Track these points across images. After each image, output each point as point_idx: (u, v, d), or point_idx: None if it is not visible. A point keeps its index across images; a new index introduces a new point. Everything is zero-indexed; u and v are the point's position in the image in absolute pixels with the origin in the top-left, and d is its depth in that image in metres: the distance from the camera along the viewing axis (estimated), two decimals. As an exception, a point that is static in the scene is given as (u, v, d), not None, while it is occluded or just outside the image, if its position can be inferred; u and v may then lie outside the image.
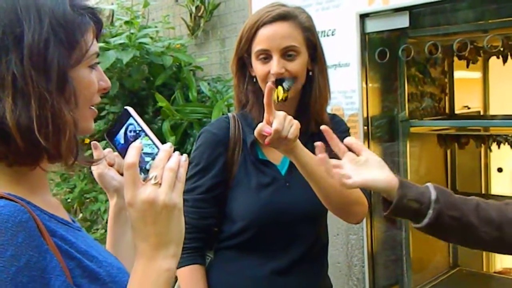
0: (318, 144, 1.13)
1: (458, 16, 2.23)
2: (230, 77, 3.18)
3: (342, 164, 1.12)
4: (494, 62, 2.91)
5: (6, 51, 0.73)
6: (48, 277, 0.70)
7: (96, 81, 0.84)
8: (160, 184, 0.76)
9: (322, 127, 1.19)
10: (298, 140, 1.28)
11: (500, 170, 3.15)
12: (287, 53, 1.42)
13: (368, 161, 1.12)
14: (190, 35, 3.80)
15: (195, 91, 3.43)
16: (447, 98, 2.90)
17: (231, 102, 3.08)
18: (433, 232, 1.14)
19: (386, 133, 2.44)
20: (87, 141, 3.00)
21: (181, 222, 0.79)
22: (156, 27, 3.68)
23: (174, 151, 0.80)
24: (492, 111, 3.14)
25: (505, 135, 2.70)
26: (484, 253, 3.00)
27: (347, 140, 1.17)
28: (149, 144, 0.80)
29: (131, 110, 0.83)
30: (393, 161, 2.50)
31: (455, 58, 2.79)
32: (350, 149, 1.17)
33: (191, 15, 3.74)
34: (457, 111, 2.93)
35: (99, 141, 1.10)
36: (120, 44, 3.28)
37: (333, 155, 1.18)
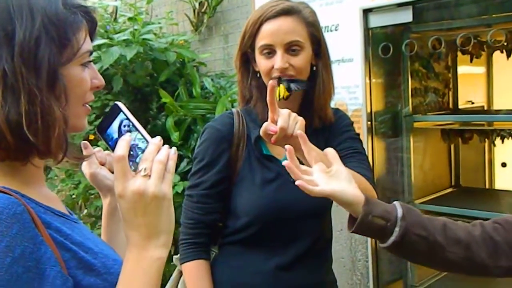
0: (287, 147, 1.13)
1: (461, 10, 2.23)
2: (233, 72, 3.18)
3: (311, 171, 1.11)
4: (498, 56, 2.91)
5: None
6: (43, 268, 0.71)
7: (89, 79, 0.85)
8: (150, 176, 0.78)
9: (298, 132, 1.17)
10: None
11: (504, 165, 3.15)
12: (291, 48, 1.42)
13: (338, 172, 1.10)
14: (193, 31, 3.80)
15: (198, 87, 3.43)
16: (450, 93, 2.90)
17: (234, 98, 3.08)
18: (399, 252, 1.11)
19: (389, 128, 2.44)
20: (91, 137, 3.01)
21: (171, 212, 0.81)
22: (159, 23, 3.68)
23: (163, 144, 0.82)
24: (496, 106, 3.13)
25: (509, 129, 2.69)
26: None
27: (327, 150, 1.15)
28: (139, 139, 0.82)
29: (121, 105, 0.85)
30: (397, 156, 2.50)
31: (459, 53, 2.78)
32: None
33: (194, 11, 3.74)
34: (460, 106, 2.93)
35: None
36: (124, 40, 3.29)
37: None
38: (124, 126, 0.83)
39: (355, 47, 2.44)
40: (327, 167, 1.11)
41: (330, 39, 2.69)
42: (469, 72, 3.00)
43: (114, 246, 1.01)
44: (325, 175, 1.10)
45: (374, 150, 2.36)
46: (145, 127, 3.59)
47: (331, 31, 2.80)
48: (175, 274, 1.65)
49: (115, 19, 3.75)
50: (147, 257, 0.78)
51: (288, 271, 1.46)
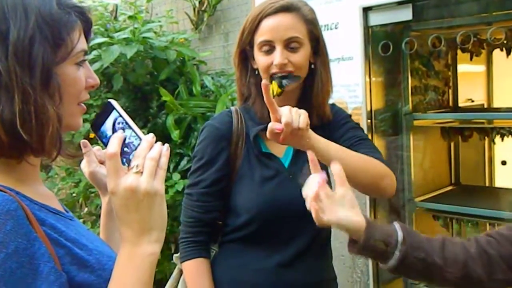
0: (309, 157, 1.15)
1: (461, 8, 2.23)
2: (233, 71, 3.16)
3: (320, 197, 1.12)
4: (498, 54, 2.90)
5: None
6: (36, 263, 0.72)
7: (84, 78, 0.86)
8: (142, 172, 0.79)
9: (309, 154, 1.19)
10: (312, 132, 1.27)
11: (504, 163, 3.15)
12: (290, 45, 1.43)
13: (344, 198, 1.12)
14: (193, 30, 3.80)
15: (198, 85, 3.43)
16: (450, 91, 2.90)
17: (234, 96, 3.09)
18: (398, 272, 1.15)
19: (389, 126, 2.44)
20: (92, 135, 3.01)
21: (163, 208, 0.82)
22: (159, 21, 3.68)
23: (164, 143, 0.83)
24: (496, 104, 3.13)
25: (508, 127, 2.69)
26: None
27: (335, 169, 1.16)
28: (132, 136, 0.83)
29: (114, 102, 0.86)
30: (397, 155, 2.50)
31: (459, 51, 2.78)
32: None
33: (194, 9, 3.74)
34: (460, 104, 2.92)
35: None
36: (124, 38, 3.29)
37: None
38: (118, 123, 0.84)
39: (355, 45, 2.44)
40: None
41: (330, 37, 2.69)
42: (469, 70, 3.00)
43: (112, 244, 1.01)
44: (330, 200, 1.12)
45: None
46: (145, 126, 3.59)
47: (331, 29, 2.80)
48: (175, 272, 1.65)
49: (115, 18, 3.75)
50: (140, 252, 0.79)
51: (289, 268, 1.47)
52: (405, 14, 2.14)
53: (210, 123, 1.54)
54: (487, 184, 3.11)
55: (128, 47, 3.20)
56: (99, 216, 3.95)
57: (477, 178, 3.10)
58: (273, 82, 1.40)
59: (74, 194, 3.89)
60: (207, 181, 1.48)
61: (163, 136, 3.29)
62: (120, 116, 0.84)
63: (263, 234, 1.46)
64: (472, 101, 3.05)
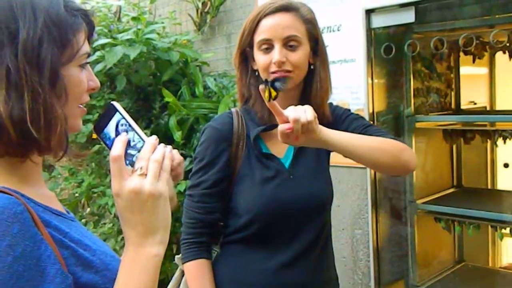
0: None
1: (464, 11, 2.23)
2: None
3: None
4: (500, 57, 2.90)
5: (1, 46, 0.76)
6: (43, 266, 0.73)
7: (86, 81, 0.87)
8: (146, 174, 0.80)
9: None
10: (322, 128, 1.27)
11: (506, 165, 3.14)
12: (289, 43, 1.44)
13: None
14: (196, 31, 3.81)
15: (201, 87, 3.44)
16: (453, 93, 2.90)
17: (237, 98, 3.09)
18: None
19: (392, 128, 2.44)
20: (95, 136, 3.02)
21: (167, 209, 0.83)
22: (162, 23, 3.69)
23: (159, 143, 0.84)
24: (498, 106, 3.13)
25: (511, 130, 2.69)
26: (490, 248, 3.00)
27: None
28: (135, 138, 0.83)
29: (117, 105, 0.86)
30: (399, 156, 2.50)
31: (461, 54, 2.78)
32: None
33: (197, 11, 3.75)
34: (463, 107, 2.92)
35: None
36: (127, 40, 3.30)
37: None
38: (121, 125, 0.84)
39: (358, 48, 2.45)
40: None
41: (332, 39, 2.70)
42: (471, 72, 3.00)
43: None
44: None
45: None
46: (148, 126, 3.60)
47: (333, 31, 2.80)
48: (177, 273, 1.66)
49: (119, 19, 3.77)
50: (144, 254, 0.79)
51: (290, 269, 1.47)
52: (408, 16, 2.15)
53: (210, 125, 1.55)
54: (489, 187, 3.11)
55: (131, 48, 3.22)
56: (102, 216, 3.96)
57: (479, 180, 3.10)
58: (266, 87, 1.41)
59: (76, 194, 3.90)
60: (208, 182, 1.48)
61: (165, 137, 3.30)
62: (123, 118, 0.85)
63: (264, 235, 1.47)
64: (475, 104, 3.05)
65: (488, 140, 2.86)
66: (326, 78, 1.52)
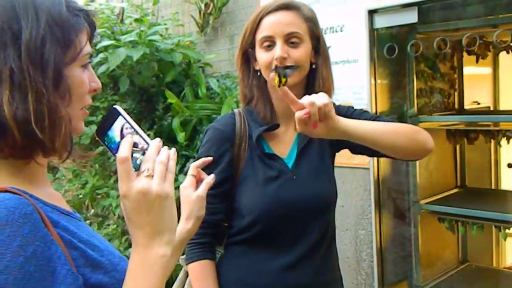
0: None
1: (467, 11, 2.23)
2: (239, 73, 3.19)
3: None
4: (504, 57, 2.90)
5: (4, 47, 0.76)
6: (53, 266, 0.73)
7: (88, 82, 0.87)
8: (152, 176, 0.80)
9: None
10: (339, 117, 1.26)
11: (510, 165, 3.13)
12: (291, 40, 1.45)
13: None
14: (199, 32, 3.82)
15: (204, 88, 3.45)
16: (456, 93, 2.89)
17: (239, 98, 3.09)
18: None
19: (395, 128, 2.43)
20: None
21: (174, 210, 0.83)
22: (165, 24, 3.70)
23: (163, 146, 0.85)
24: (502, 106, 3.12)
25: (514, 130, 2.68)
26: (494, 248, 2.99)
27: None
28: (140, 141, 0.84)
29: (119, 108, 0.86)
30: (402, 157, 2.50)
31: (465, 54, 2.78)
32: None
33: (200, 12, 3.76)
34: (466, 107, 2.92)
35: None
36: (130, 41, 3.31)
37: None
38: (126, 128, 0.85)
39: (360, 48, 2.45)
40: None
41: (335, 40, 2.70)
42: (474, 72, 3.00)
43: None
44: None
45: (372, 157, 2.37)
46: (151, 128, 3.60)
47: (336, 32, 2.80)
48: (181, 274, 1.66)
49: (122, 21, 3.78)
50: (152, 254, 0.80)
51: (294, 270, 1.47)
52: (411, 16, 2.14)
53: (213, 126, 1.55)
54: (493, 187, 3.10)
55: (134, 50, 3.22)
56: (106, 217, 3.97)
57: (483, 180, 3.09)
58: (276, 74, 1.41)
59: (80, 196, 3.92)
60: (211, 182, 1.48)
61: (168, 138, 3.31)
62: (127, 121, 0.85)
63: (267, 236, 1.47)
64: (478, 104, 3.04)
65: (492, 140, 2.85)
66: (328, 77, 1.52)
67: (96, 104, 3.46)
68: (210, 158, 1.20)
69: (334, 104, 1.59)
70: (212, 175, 1.21)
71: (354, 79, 2.70)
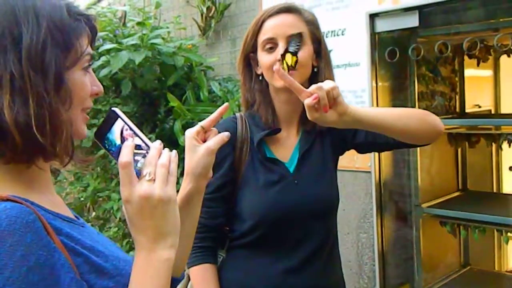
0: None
1: (468, 15, 2.23)
2: (241, 77, 3.20)
3: None
4: (505, 60, 2.90)
5: (4, 51, 0.76)
6: (57, 274, 0.72)
7: (89, 85, 0.87)
8: (154, 179, 0.80)
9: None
10: (348, 104, 1.25)
11: (511, 168, 3.14)
12: None
13: None
14: (201, 36, 3.83)
15: (206, 91, 3.46)
16: (457, 97, 2.89)
17: (241, 102, 3.10)
18: None
19: (396, 132, 2.44)
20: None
21: (176, 213, 0.83)
22: (167, 27, 3.71)
23: (164, 147, 0.84)
24: (503, 110, 3.12)
25: (516, 133, 2.68)
26: (496, 252, 2.99)
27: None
28: (139, 144, 0.83)
29: (118, 111, 0.86)
30: (404, 159, 2.51)
31: (466, 57, 2.78)
32: None
33: (202, 15, 3.77)
34: (467, 110, 2.92)
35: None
36: (133, 44, 3.32)
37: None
38: (126, 130, 0.84)
39: (362, 52, 2.46)
40: None
41: (336, 43, 2.71)
42: (476, 75, 3.00)
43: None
44: None
45: (381, 152, 2.37)
46: (153, 131, 3.60)
47: (337, 35, 2.81)
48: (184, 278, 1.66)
49: (124, 24, 3.79)
50: (156, 258, 0.79)
51: (296, 274, 1.46)
52: (412, 20, 2.15)
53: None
54: (494, 190, 3.10)
55: (137, 53, 3.23)
56: (107, 220, 3.97)
57: (484, 183, 3.09)
58: (287, 55, 1.40)
59: (82, 199, 3.92)
60: (212, 186, 1.48)
61: (170, 141, 3.31)
62: (126, 124, 0.85)
63: (269, 240, 1.47)
64: (479, 107, 3.04)
65: (493, 143, 2.85)
66: (331, 78, 1.52)
67: (98, 107, 3.47)
68: (228, 133, 1.08)
69: None
70: (228, 133, 1.08)
71: (355, 82, 2.71)
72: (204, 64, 3.72)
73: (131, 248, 3.52)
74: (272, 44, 1.46)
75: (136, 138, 0.84)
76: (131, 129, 0.84)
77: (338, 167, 1.62)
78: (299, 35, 1.44)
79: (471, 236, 2.60)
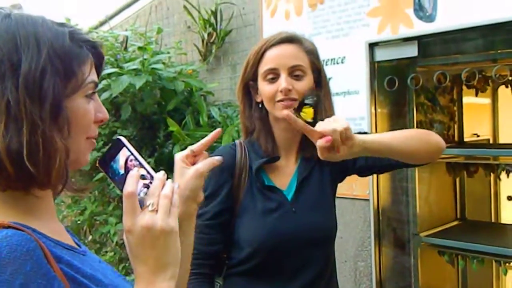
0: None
1: (466, 45, 2.26)
2: (240, 102, 3.22)
3: None
4: (504, 90, 2.92)
5: (2, 78, 0.75)
6: None
7: (93, 112, 0.86)
8: (157, 210, 0.80)
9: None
10: (355, 135, 1.25)
11: (510, 198, 3.13)
12: (294, 73, 1.46)
13: None
14: (201, 61, 3.86)
15: (205, 116, 3.47)
16: (456, 126, 2.91)
17: (241, 128, 3.11)
18: None
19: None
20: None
21: (178, 245, 0.82)
22: (168, 52, 3.74)
23: (166, 177, 0.84)
24: (501, 139, 3.14)
25: (514, 164, 2.69)
26: (494, 282, 2.96)
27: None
28: (143, 174, 0.83)
29: (124, 140, 0.86)
30: (402, 187, 2.51)
31: (464, 86, 2.81)
32: None
33: (203, 41, 3.81)
34: (466, 139, 2.93)
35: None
36: (134, 69, 3.35)
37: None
38: (131, 161, 0.85)
39: (361, 80, 2.48)
40: None
41: (336, 71, 2.73)
42: (474, 105, 3.02)
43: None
44: None
45: (379, 179, 2.37)
46: (152, 155, 3.59)
47: (337, 63, 2.84)
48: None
49: (125, 49, 3.83)
50: None
51: (295, 303, 1.45)
52: (411, 50, 2.18)
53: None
54: (493, 220, 3.09)
55: (137, 78, 3.26)
56: (104, 244, 3.93)
57: (483, 213, 3.08)
58: (306, 108, 1.40)
59: (79, 222, 3.90)
60: (209, 213, 1.47)
61: (169, 166, 3.31)
62: (132, 154, 0.85)
63: (267, 268, 1.46)
64: (478, 136, 3.06)
65: (492, 173, 2.86)
66: (330, 108, 1.54)
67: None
68: (220, 158, 1.08)
69: None
70: (220, 157, 1.08)
71: (354, 110, 2.72)
72: (204, 89, 3.75)
73: (127, 274, 3.49)
74: (274, 75, 1.47)
75: (141, 168, 0.84)
76: (136, 158, 0.85)
77: (337, 195, 1.61)
78: (313, 92, 1.44)
79: (470, 266, 2.58)
